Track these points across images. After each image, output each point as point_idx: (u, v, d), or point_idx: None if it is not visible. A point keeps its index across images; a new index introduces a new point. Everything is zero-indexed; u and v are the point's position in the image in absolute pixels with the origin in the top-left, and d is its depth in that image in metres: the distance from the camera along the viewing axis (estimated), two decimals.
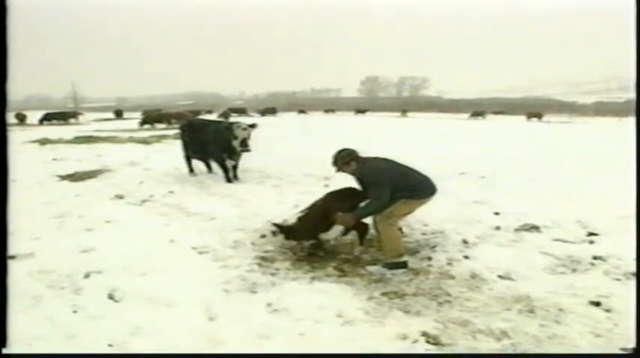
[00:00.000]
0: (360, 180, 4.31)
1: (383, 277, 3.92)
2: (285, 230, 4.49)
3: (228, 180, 7.93)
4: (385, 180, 4.04)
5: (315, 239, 4.50)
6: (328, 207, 4.36)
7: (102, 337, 2.89)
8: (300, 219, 4.50)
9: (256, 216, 5.54)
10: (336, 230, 4.58)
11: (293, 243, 4.51)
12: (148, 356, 2.81)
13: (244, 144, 7.57)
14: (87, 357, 2.83)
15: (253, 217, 5.54)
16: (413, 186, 4.13)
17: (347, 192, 4.50)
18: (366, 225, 4.47)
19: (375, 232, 4.44)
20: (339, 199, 4.44)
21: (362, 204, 4.21)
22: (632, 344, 2.61)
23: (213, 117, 35.18)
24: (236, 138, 7.53)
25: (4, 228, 2.46)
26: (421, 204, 4.27)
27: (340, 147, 4.35)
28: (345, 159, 4.23)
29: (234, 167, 8.09)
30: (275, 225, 4.68)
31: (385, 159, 4.31)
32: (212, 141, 7.96)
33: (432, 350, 2.80)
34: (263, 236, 4.80)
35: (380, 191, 4.03)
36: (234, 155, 7.85)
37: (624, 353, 2.65)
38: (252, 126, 7.80)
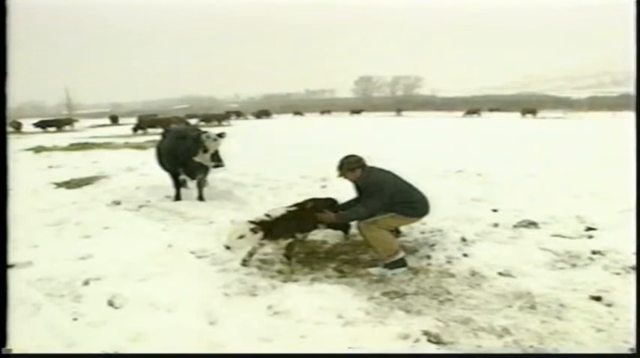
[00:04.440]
0: (360, 187, 4.33)
1: (383, 277, 3.91)
2: (265, 227, 4.09)
3: (177, 198, 6.97)
4: (384, 194, 4.08)
5: (292, 237, 4.32)
6: (316, 212, 4.40)
7: (103, 344, 2.87)
8: (283, 216, 4.26)
9: None
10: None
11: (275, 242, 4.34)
12: (149, 357, 2.81)
13: (217, 158, 6.27)
14: (86, 357, 2.84)
15: None
16: (407, 204, 4.18)
17: (330, 201, 4.68)
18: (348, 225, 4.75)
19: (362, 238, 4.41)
20: (324, 205, 4.53)
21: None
22: (633, 337, 2.61)
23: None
24: (206, 150, 6.23)
25: (3, 237, 2.44)
26: (409, 222, 4.41)
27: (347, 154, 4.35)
28: (351, 166, 4.23)
29: (200, 186, 6.93)
30: (253, 222, 4.09)
31: (389, 172, 4.31)
32: (169, 151, 6.80)
33: (434, 348, 2.80)
34: (241, 237, 4.00)
35: (373, 202, 4.10)
36: (197, 170, 6.60)
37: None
38: (221, 135, 6.45)
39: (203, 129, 7.08)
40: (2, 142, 2.46)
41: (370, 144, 15.34)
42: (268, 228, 4.10)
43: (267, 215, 4.21)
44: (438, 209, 4.51)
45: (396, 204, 4.12)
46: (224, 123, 38.36)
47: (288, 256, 4.26)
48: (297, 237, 4.39)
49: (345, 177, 4.31)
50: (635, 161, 2.54)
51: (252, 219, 4.16)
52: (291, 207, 4.44)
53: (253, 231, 4.01)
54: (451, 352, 2.76)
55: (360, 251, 4.56)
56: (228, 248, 4.00)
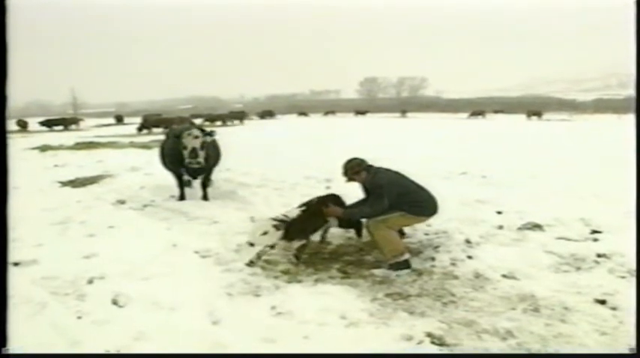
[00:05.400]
0: (367, 188, 4.34)
1: (387, 278, 3.91)
2: (286, 226, 4.18)
3: (181, 198, 6.94)
4: (389, 194, 4.10)
5: (306, 239, 4.39)
6: (323, 206, 4.43)
7: (106, 342, 2.88)
8: (299, 216, 4.33)
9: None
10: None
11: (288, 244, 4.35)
12: (150, 357, 2.81)
13: (194, 155, 6.17)
14: (86, 357, 2.84)
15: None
16: (415, 203, 4.19)
17: (335, 197, 4.72)
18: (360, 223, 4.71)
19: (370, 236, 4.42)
20: (329, 201, 4.55)
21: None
22: (635, 342, 2.59)
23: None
24: (185, 147, 6.24)
25: (5, 235, 2.45)
26: (418, 221, 4.40)
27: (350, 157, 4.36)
28: (354, 169, 4.26)
29: (204, 185, 6.95)
30: (276, 219, 4.24)
31: (396, 173, 4.33)
32: (168, 151, 6.88)
33: (437, 350, 2.79)
34: (265, 233, 4.18)
35: (378, 202, 4.13)
36: (199, 170, 6.53)
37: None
38: (210, 133, 6.55)
39: (208, 128, 7.08)
40: (2, 142, 2.47)
41: (374, 145, 15.33)
42: (286, 228, 4.15)
43: (285, 215, 4.25)
44: (442, 211, 4.50)
45: (404, 203, 4.13)
46: (229, 123, 38.29)
47: (297, 257, 4.28)
48: (310, 238, 4.45)
49: (353, 181, 4.33)
50: (635, 163, 2.53)
51: (272, 217, 4.25)
52: (300, 207, 4.47)
53: (276, 227, 4.11)
54: (454, 353, 2.75)
55: (364, 252, 4.56)
56: (251, 244, 4.11)
